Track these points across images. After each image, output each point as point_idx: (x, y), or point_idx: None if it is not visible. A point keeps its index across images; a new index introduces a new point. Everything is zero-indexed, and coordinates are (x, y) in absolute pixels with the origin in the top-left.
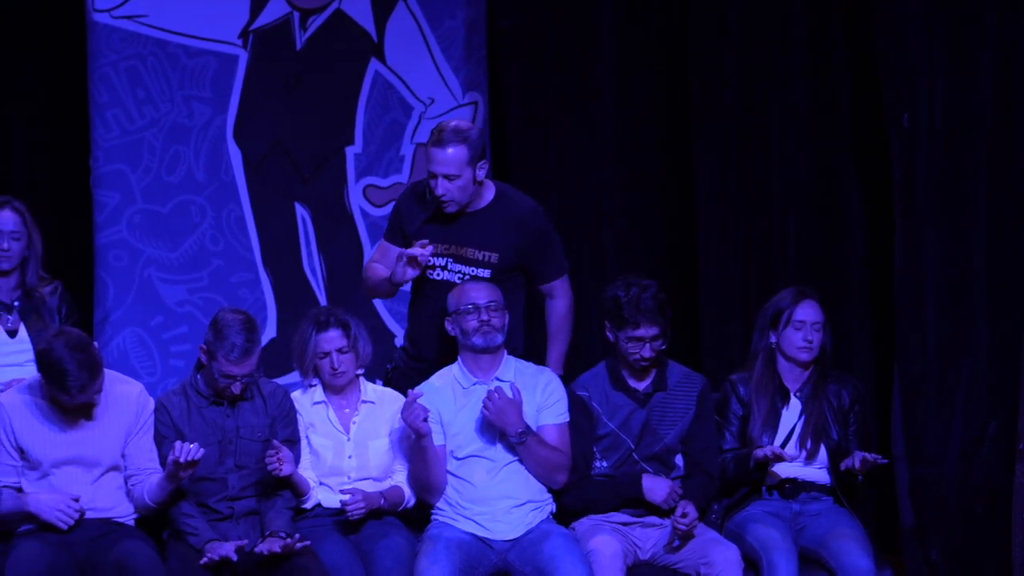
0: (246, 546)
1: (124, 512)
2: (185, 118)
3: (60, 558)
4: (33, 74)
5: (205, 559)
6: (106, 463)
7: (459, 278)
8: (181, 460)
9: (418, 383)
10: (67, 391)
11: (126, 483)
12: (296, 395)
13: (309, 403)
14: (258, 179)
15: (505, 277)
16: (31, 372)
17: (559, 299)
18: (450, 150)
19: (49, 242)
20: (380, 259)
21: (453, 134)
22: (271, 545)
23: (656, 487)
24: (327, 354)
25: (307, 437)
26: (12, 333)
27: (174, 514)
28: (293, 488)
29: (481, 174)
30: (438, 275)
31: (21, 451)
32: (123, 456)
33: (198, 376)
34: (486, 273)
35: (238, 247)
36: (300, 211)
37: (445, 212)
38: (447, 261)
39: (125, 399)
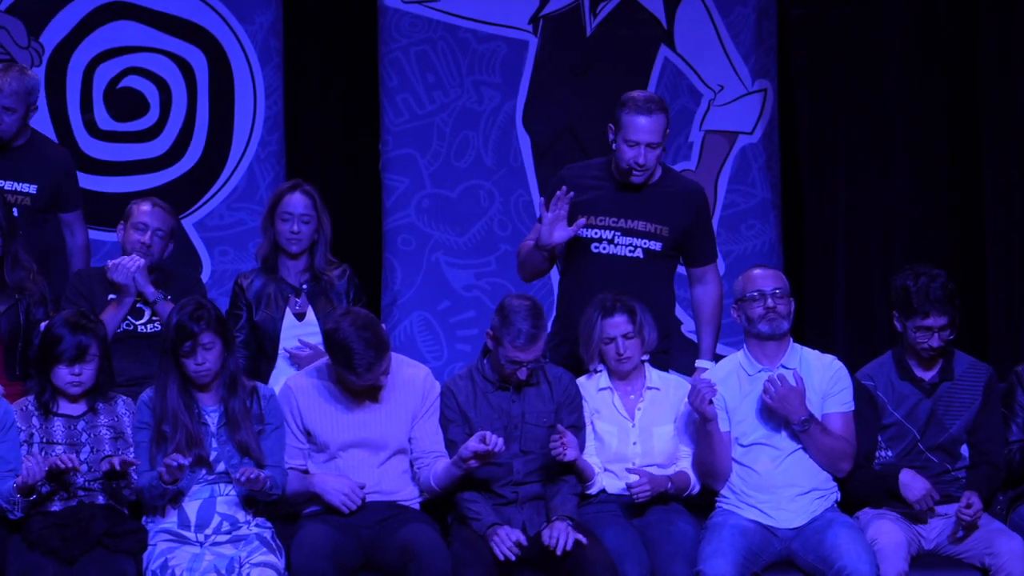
0: (530, 531)
1: (409, 496)
2: (474, 103)
3: (345, 540)
4: (325, 58)
5: (496, 550)
6: (392, 446)
7: (630, 251)
8: (493, 449)
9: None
10: (354, 370)
11: (411, 466)
12: (581, 381)
13: (594, 389)
14: (546, 165)
15: (670, 254)
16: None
17: (711, 285)
18: (658, 117)
19: (338, 226)
20: (534, 236)
21: (657, 103)
22: (553, 533)
23: (913, 485)
24: (612, 339)
25: (592, 423)
26: (300, 316)
27: (458, 499)
28: (578, 474)
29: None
30: (603, 249)
31: (308, 434)
32: (409, 440)
33: (484, 361)
34: (657, 246)
35: (526, 232)
36: None
37: (633, 182)
38: (614, 235)
39: (411, 382)
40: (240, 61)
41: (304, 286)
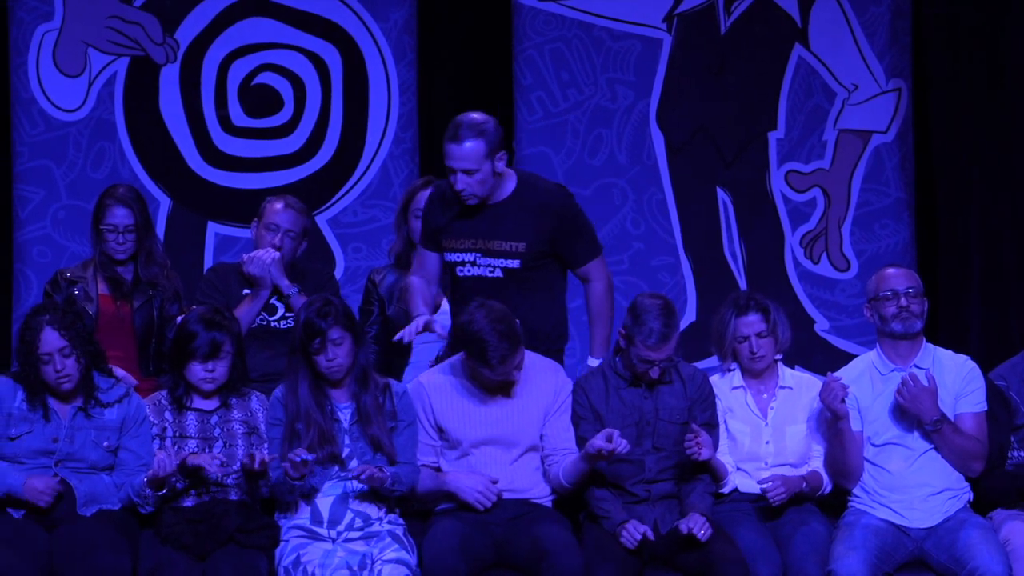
0: (661, 529)
1: (541, 493)
2: (608, 101)
3: (477, 537)
4: (459, 56)
5: (626, 540)
6: (524, 444)
7: (488, 272)
8: (616, 450)
9: None
10: (487, 363)
11: (543, 463)
12: (714, 379)
13: (727, 388)
14: (680, 163)
15: (536, 265)
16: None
17: (596, 282)
18: (467, 144)
19: None
20: (419, 268)
21: (469, 128)
22: (690, 523)
23: None
24: (746, 338)
25: (725, 422)
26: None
27: (589, 497)
28: (712, 472)
29: (500, 166)
30: (467, 271)
31: (441, 430)
32: (540, 437)
33: (617, 358)
34: (516, 263)
35: (659, 231)
36: (722, 196)
37: (467, 206)
38: (475, 256)
39: (543, 379)
40: (374, 58)
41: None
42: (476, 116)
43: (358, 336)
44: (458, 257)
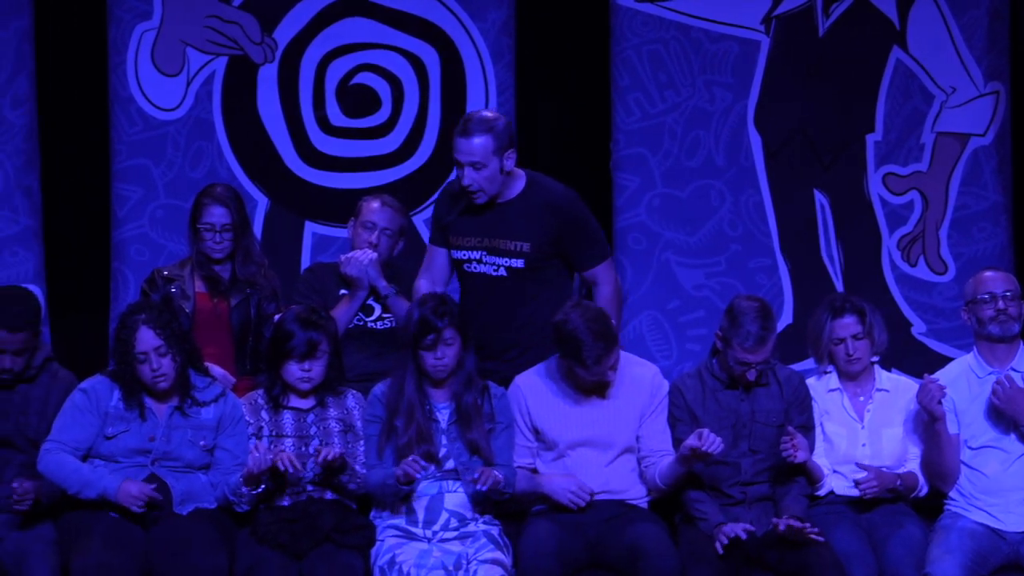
0: (756, 531)
1: (637, 494)
2: (706, 103)
3: (572, 538)
4: (557, 57)
5: (718, 544)
6: (620, 445)
7: (493, 270)
8: (704, 449)
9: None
10: (583, 363)
11: (639, 465)
12: (811, 382)
13: (824, 390)
14: (777, 165)
15: (541, 266)
16: None
17: (603, 285)
18: (476, 139)
19: None
20: (426, 269)
21: (479, 123)
22: (784, 523)
23: None
24: (842, 340)
25: (821, 424)
26: None
27: (685, 499)
28: (807, 475)
29: (509, 164)
30: (473, 268)
31: (537, 432)
32: (637, 438)
33: (713, 360)
34: (520, 263)
35: (756, 233)
36: (819, 198)
37: (475, 203)
38: (481, 254)
39: (639, 381)
40: (472, 59)
41: None
42: (487, 113)
43: (467, 339)
44: (465, 254)
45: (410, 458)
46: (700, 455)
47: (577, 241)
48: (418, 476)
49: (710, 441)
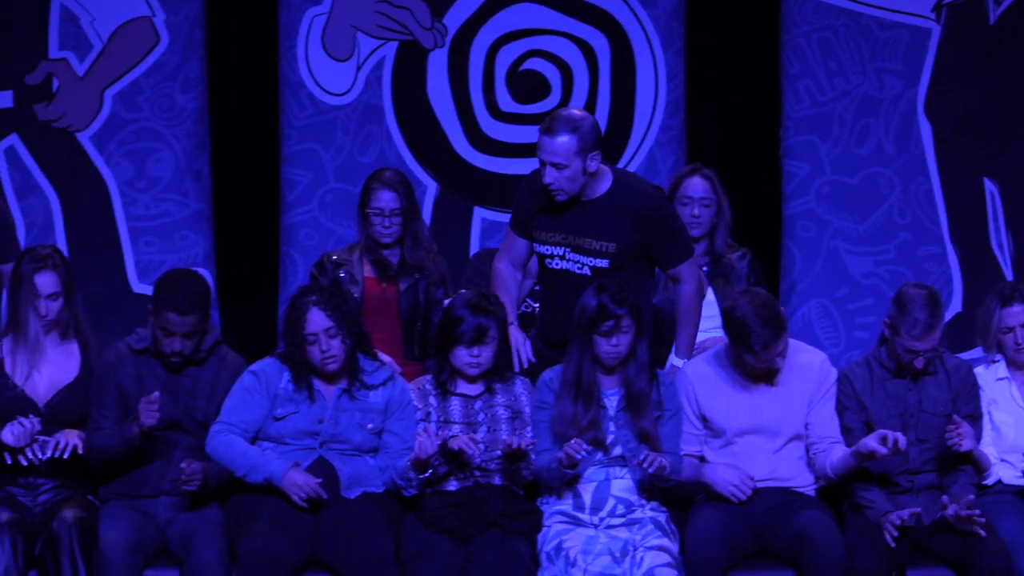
0: (924, 519)
1: (804, 482)
2: (876, 90)
3: (738, 526)
4: (727, 43)
5: (887, 535)
6: (788, 432)
7: (577, 268)
8: (888, 451)
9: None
10: (750, 349)
11: (807, 452)
12: (979, 370)
13: (992, 379)
14: (947, 153)
15: (626, 265)
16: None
17: (686, 283)
18: (562, 139)
19: (737, 210)
20: (506, 250)
21: (564, 122)
22: (952, 510)
23: None
24: (1011, 329)
25: (989, 413)
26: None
27: (851, 487)
28: (975, 464)
29: (593, 165)
30: (556, 264)
31: (704, 419)
32: (805, 425)
33: (882, 349)
34: (604, 263)
35: (925, 220)
36: (989, 186)
37: (555, 200)
38: (565, 251)
39: (808, 368)
40: (642, 45)
41: (704, 268)
42: (575, 112)
43: (642, 327)
44: (548, 250)
45: (573, 441)
46: (878, 458)
47: (664, 242)
48: (578, 457)
49: (892, 442)
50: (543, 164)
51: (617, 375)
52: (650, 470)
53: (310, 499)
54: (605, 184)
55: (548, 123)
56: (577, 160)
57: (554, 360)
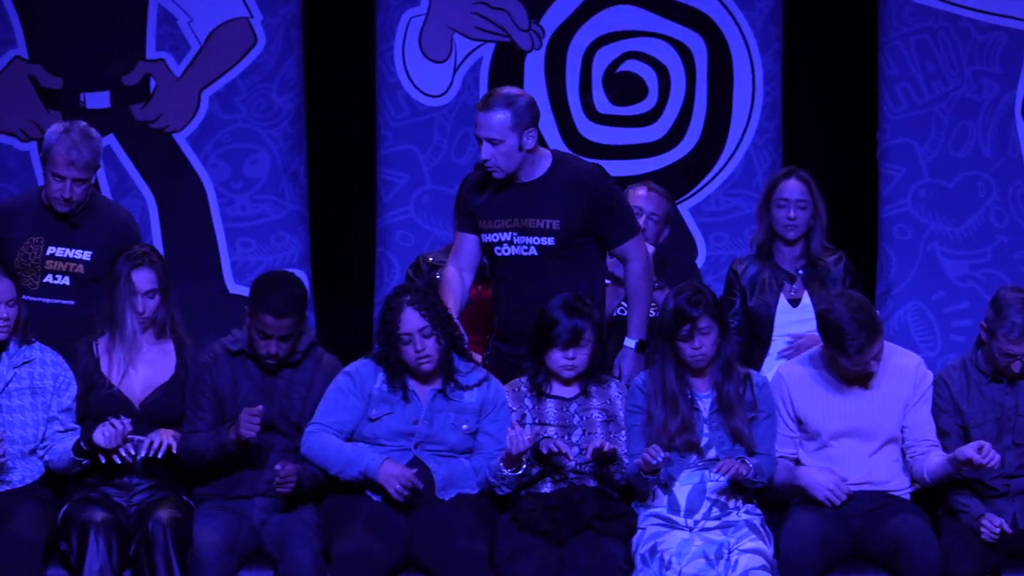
0: (1019, 521)
1: (900, 485)
2: (974, 93)
3: (834, 529)
4: (824, 46)
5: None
6: (883, 435)
7: (524, 250)
8: (987, 464)
9: (513, 367)
10: (845, 352)
11: (903, 455)
12: None
13: None
14: None
15: (573, 244)
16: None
17: (634, 261)
18: (497, 115)
19: (834, 213)
20: (455, 255)
21: (500, 99)
22: None
23: None
24: None
25: None
26: (795, 302)
27: (947, 491)
28: None
29: (529, 142)
30: (504, 251)
31: (799, 422)
32: (901, 428)
33: (978, 352)
34: (550, 241)
35: (1023, 224)
36: None
37: (501, 184)
38: (512, 236)
39: (903, 371)
40: (739, 47)
41: (800, 272)
42: (510, 89)
43: (724, 327)
44: (495, 237)
45: (652, 447)
46: (975, 466)
47: (608, 218)
48: (654, 463)
49: (990, 456)
50: (480, 141)
51: (708, 377)
52: (724, 479)
53: (407, 494)
54: (545, 164)
55: (485, 99)
56: (512, 136)
57: (507, 355)
